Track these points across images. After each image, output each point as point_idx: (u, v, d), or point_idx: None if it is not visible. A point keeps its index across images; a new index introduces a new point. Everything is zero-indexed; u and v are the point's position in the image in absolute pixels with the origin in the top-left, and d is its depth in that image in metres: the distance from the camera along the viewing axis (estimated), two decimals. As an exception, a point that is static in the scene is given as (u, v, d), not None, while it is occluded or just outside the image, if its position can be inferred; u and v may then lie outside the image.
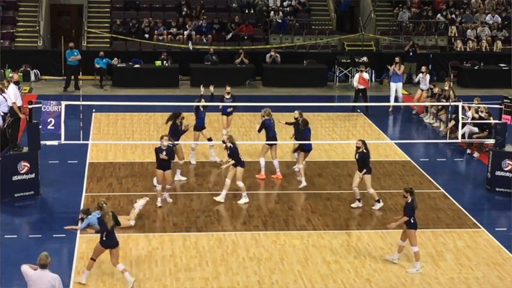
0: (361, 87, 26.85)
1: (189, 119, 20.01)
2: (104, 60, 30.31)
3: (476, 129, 22.66)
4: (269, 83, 31.31)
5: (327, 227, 16.98)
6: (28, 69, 30.87)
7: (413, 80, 29.04)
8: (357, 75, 27.31)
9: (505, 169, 19.28)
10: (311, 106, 24.59)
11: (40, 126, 18.47)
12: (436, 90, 26.19)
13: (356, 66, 30.62)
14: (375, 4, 36.50)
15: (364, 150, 17.59)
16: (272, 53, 31.73)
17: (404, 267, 14.98)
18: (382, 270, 14.87)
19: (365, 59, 31.40)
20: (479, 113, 22.47)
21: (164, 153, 17.38)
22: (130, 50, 32.43)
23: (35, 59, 31.45)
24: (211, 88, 21.32)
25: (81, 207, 17.19)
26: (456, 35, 34.92)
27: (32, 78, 30.86)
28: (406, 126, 26.31)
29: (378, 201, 18.03)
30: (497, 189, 19.37)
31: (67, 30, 35.60)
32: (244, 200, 18.12)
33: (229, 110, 22.27)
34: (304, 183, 19.16)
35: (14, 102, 19.23)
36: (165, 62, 30.78)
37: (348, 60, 32.24)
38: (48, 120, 18.56)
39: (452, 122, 22.86)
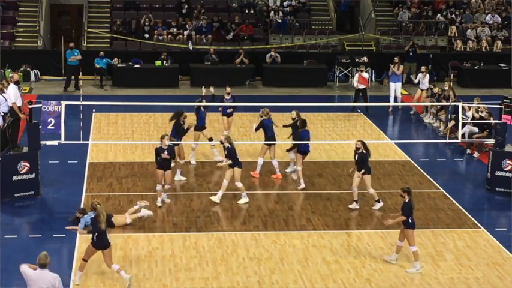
0: (361, 87, 26.85)
1: (189, 119, 20.01)
2: (104, 60, 30.31)
3: (476, 129, 22.66)
4: (269, 83, 31.32)
5: (327, 227, 16.98)
6: (28, 69, 30.87)
7: (413, 80, 29.04)
8: (356, 75, 27.33)
9: (505, 169, 19.28)
10: (311, 106, 24.60)
11: (40, 126, 18.48)
12: (436, 90, 26.20)
13: (356, 66, 30.62)
14: (375, 4, 36.51)
15: (364, 151, 17.60)
16: (272, 53, 31.73)
17: (404, 267, 14.98)
18: (382, 270, 14.87)
19: (365, 59, 31.40)
20: (480, 113, 22.47)
21: (166, 152, 17.39)
22: (130, 50, 32.43)
23: (35, 59, 31.46)
24: (212, 89, 21.31)
25: (81, 207, 17.18)
26: (456, 35, 34.92)
27: (32, 78, 30.86)
28: (406, 126, 26.32)
29: (378, 201, 18.04)
30: (497, 189, 19.38)
31: (67, 30, 35.61)
32: (244, 200, 18.12)
33: (229, 110, 22.27)
34: (303, 185, 19.14)
35: (14, 102, 19.23)
36: (165, 62, 30.78)
37: (348, 60, 32.24)
38: (48, 120, 18.57)
39: (452, 122, 22.87)
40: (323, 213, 17.70)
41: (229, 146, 17.79)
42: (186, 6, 34.55)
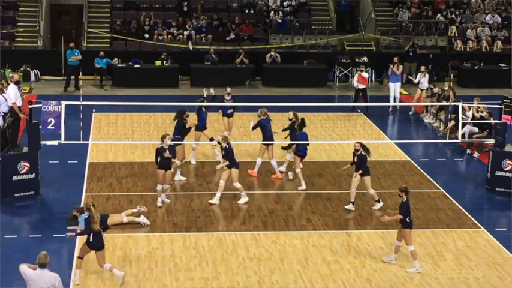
0: (361, 86, 26.85)
1: (191, 119, 20.01)
2: (104, 60, 30.31)
3: (476, 129, 22.66)
4: (269, 83, 31.31)
5: (327, 227, 16.98)
6: (28, 69, 30.87)
7: (413, 80, 29.04)
8: (356, 75, 27.33)
9: (505, 169, 19.28)
10: (311, 106, 24.59)
11: (40, 126, 18.48)
12: (436, 90, 26.19)
13: (356, 66, 30.61)
14: (375, 4, 36.50)
15: (363, 153, 17.60)
16: (272, 53, 31.73)
17: (404, 267, 14.98)
18: (382, 270, 14.87)
19: (365, 59, 31.39)
20: (480, 113, 22.47)
21: (168, 152, 17.39)
22: (130, 50, 32.43)
23: (35, 59, 31.46)
24: (212, 90, 21.29)
25: (79, 206, 17.17)
26: (456, 35, 34.92)
27: (32, 78, 30.86)
28: (406, 126, 26.32)
29: (378, 201, 18.04)
30: (497, 189, 19.37)
31: (67, 30, 35.60)
32: (243, 199, 18.11)
33: (229, 111, 22.25)
34: (303, 186, 19.13)
35: (14, 102, 19.23)
36: (165, 62, 30.78)
37: (348, 60, 32.23)
38: (48, 120, 18.57)
39: (452, 122, 22.87)
40: (323, 213, 17.70)
41: (227, 147, 17.77)
42: (186, 3, 34.51)
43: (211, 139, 20.72)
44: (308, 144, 19.38)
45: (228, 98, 22.07)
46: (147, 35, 32.94)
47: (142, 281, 14.15)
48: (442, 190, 19.46)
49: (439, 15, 35.92)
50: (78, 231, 15.08)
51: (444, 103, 24.33)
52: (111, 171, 20.20)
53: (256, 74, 31.73)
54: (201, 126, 20.57)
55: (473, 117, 22.56)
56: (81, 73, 29.82)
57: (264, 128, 19.74)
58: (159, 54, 31.03)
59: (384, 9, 37.07)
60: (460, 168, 21.90)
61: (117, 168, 20.45)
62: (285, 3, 35.85)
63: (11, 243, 15.62)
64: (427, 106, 26.47)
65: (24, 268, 11.12)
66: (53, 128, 18.64)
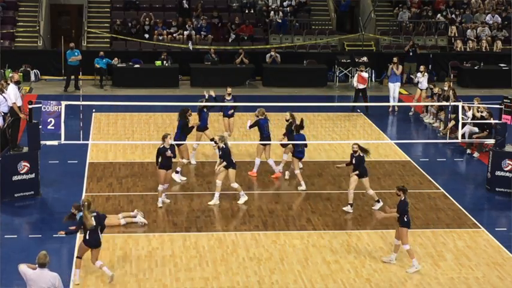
0: (361, 86, 26.85)
1: (193, 118, 20.01)
2: (104, 60, 30.31)
3: (476, 129, 22.66)
4: (269, 83, 31.31)
5: (327, 227, 16.98)
6: (28, 69, 30.87)
7: (413, 80, 29.06)
8: (356, 75, 27.33)
9: (505, 169, 19.28)
10: (311, 106, 24.60)
11: (40, 126, 18.47)
12: (436, 90, 26.19)
13: (356, 66, 30.60)
14: (375, 4, 36.50)
15: (361, 154, 17.60)
16: (272, 53, 31.73)
17: (404, 266, 14.97)
18: (382, 270, 14.87)
19: (365, 59, 31.39)
20: (480, 113, 22.47)
21: (169, 151, 17.40)
22: (130, 50, 32.43)
23: (35, 59, 31.46)
24: (212, 92, 21.27)
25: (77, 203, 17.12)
26: (456, 35, 34.92)
27: (32, 78, 30.86)
28: (406, 126, 26.32)
29: (378, 201, 18.03)
30: (497, 189, 19.37)
31: (67, 30, 35.61)
32: (243, 199, 18.10)
33: (230, 111, 22.24)
34: (303, 187, 19.13)
35: (14, 102, 19.23)
36: (165, 62, 30.78)
37: (348, 60, 32.24)
38: (48, 120, 18.56)
39: (452, 122, 22.87)
40: (323, 213, 17.70)
41: (224, 147, 17.76)
42: (186, 1, 34.51)
43: (213, 139, 20.69)
44: (306, 146, 19.35)
45: (228, 98, 22.07)
46: (147, 35, 32.95)
47: (142, 281, 14.15)
48: (442, 190, 19.46)
49: (439, 15, 35.92)
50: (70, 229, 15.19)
51: (444, 103, 24.34)
52: (111, 171, 20.20)
53: (256, 74, 31.73)
54: (202, 127, 20.58)
55: (473, 117, 22.57)
56: (81, 73, 29.82)
57: (262, 127, 19.73)
58: (159, 54, 31.03)
59: (384, 9, 37.07)
60: (460, 168, 21.91)
61: (117, 168, 20.45)
62: (285, 3, 35.85)
63: (11, 243, 15.62)
64: (427, 106, 26.48)
65: (23, 268, 11.11)
66: (53, 128, 18.63)
